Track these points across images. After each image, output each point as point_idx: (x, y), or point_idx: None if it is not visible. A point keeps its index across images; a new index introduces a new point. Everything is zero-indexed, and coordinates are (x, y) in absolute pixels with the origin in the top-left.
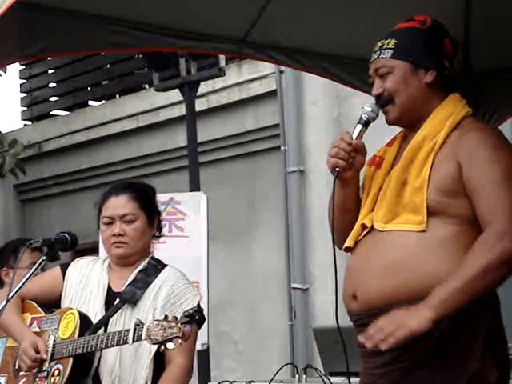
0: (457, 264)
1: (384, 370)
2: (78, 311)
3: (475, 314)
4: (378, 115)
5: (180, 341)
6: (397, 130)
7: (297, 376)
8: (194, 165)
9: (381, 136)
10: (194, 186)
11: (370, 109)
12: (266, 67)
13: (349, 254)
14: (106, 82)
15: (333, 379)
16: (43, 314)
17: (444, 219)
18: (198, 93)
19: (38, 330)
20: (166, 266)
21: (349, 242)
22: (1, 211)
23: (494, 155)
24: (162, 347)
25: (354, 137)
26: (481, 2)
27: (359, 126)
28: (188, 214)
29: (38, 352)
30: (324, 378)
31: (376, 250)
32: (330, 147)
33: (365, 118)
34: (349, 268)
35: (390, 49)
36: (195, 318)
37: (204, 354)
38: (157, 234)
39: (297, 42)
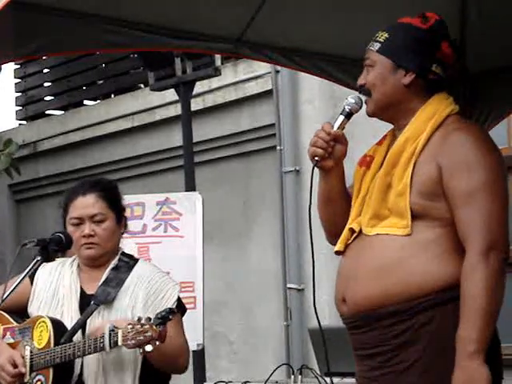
0: (442, 265)
1: (377, 372)
2: (50, 318)
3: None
4: (360, 107)
5: (157, 342)
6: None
7: (292, 376)
8: (190, 165)
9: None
10: (190, 186)
11: (353, 100)
12: (262, 67)
13: (340, 257)
14: (101, 82)
15: (328, 379)
16: (15, 323)
17: (428, 222)
18: (194, 92)
19: (12, 340)
20: (137, 260)
21: (339, 246)
22: None
23: (474, 160)
24: (141, 350)
25: (336, 127)
26: (477, 2)
27: (341, 117)
28: (183, 214)
29: (15, 366)
30: (319, 378)
31: (363, 254)
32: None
33: (347, 110)
34: (339, 272)
35: (379, 42)
36: (169, 318)
37: (199, 355)
38: (123, 230)
39: (293, 42)
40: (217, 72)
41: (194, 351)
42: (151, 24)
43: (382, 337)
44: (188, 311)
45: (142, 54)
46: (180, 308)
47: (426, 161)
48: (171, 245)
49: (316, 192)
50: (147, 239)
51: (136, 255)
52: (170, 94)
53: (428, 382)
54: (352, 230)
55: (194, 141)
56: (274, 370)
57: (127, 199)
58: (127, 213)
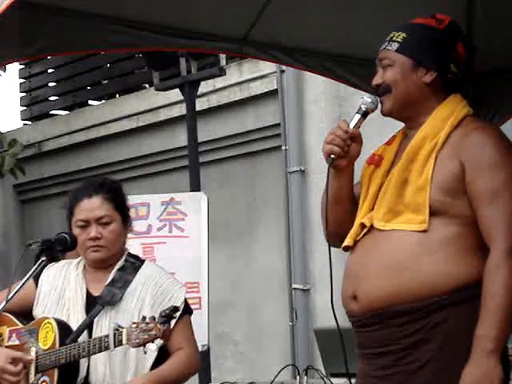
0: (457, 265)
1: (385, 372)
2: (55, 319)
3: (476, 317)
4: (376, 107)
5: (162, 341)
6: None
7: (298, 377)
8: (195, 165)
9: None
10: (195, 186)
11: (369, 100)
12: (267, 66)
13: (347, 253)
14: (105, 82)
15: (334, 380)
16: (20, 325)
17: (445, 219)
18: (199, 92)
19: (18, 342)
20: (143, 261)
21: (348, 241)
22: (0, 211)
23: (497, 159)
24: (144, 349)
25: (352, 126)
26: (482, 1)
27: (357, 116)
28: (188, 214)
29: (16, 364)
30: (325, 379)
31: (377, 249)
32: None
33: (364, 109)
34: (348, 268)
35: (398, 42)
36: (173, 316)
37: (204, 355)
38: (128, 231)
39: (298, 41)
40: (222, 72)
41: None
42: (156, 24)
43: (394, 335)
44: (193, 312)
45: (147, 54)
46: (187, 310)
47: (447, 158)
48: (176, 245)
49: (322, 191)
50: (152, 239)
51: (141, 256)
52: (175, 94)
53: (441, 382)
54: (363, 225)
55: (199, 141)
56: (280, 371)
57: (132, 199)
58: (132, 213)
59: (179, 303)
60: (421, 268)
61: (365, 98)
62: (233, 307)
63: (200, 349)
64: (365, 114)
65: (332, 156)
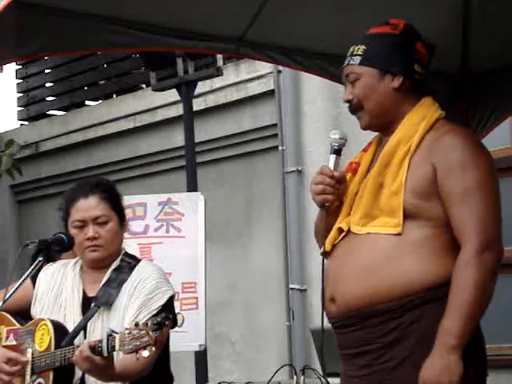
0: (431, 265)
1: (364, 371)
2: (51, 321)
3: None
4: (346, 140)
5: (154, 348)
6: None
7: (295, 377)
8: (192, 165)
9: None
10: (192, 187)
11: (337, 136)
12: (264, 67)
13: (326, 258)
14: (102, 82)
15: (331, 380)
16: (18, 325)
17: (419, 222)
18: (196, 92)
19: (15, 342)
20: (139, 261)
21: (326, 246)
22: None
23: (467, 160)
24: (137, 355)
25: (332, 168)
26: (479, 1)
27: (333, 157)
28: (185, 215)
29: (13, 364)
30: (322, 378)
31: (353, 252)
32: (311, 183)
33: (335, 147)
34: (327, 272)
35: (359, 55)
36: (165, 324)
37: (201, 355)
38: (125, 231)
39: (295, 42)
40: (219, 72)
41: (196, 352)
42: (153, 24)
43: (372, 335)
44: (190, 312)
45: (144, 54)
46: (165, 313)
47: (420, 161)
48: (173, 245)
49: (315, 225)
50: (149, 240)
51: (138, 256)
52: (172, 94)
53: (418, 377)
54: (340, 230)
55: (196, 141)
56: (277, 371)
57: (129, 200)
58: (129, 213)
59: (157, 306)
60: (395, 269)
61: (332, 137)
62: (230, 307)
63: (197, 349)
64: (338, 152)
65: (326, 204)
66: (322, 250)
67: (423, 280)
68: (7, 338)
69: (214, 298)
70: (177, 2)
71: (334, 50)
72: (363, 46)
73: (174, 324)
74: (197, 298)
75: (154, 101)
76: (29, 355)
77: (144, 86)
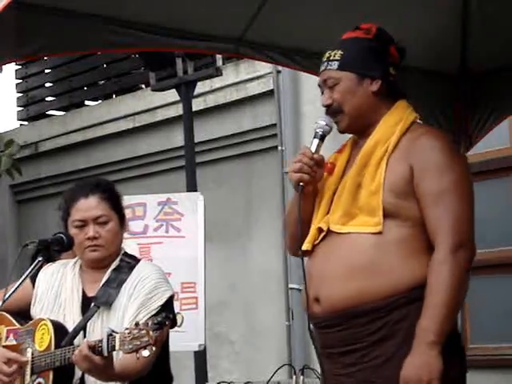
0: (414, 264)
1: (351, 369)
2: (51, 321)
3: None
4: (331, 128)
5: (154, 348)
6: None
7: (294, 377)
8: (191, 165)
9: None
10: (191, 187)
11: (324, 123)
12: (263, 67)
13: (306, 258)
14: (102, 82)
15: None
16: (18, 325)
17: (398, 221)
18: (195, 93)
19: (14, 342)
20: (139, 261)
21: (306, 246)
22: None
23: (443, 162)
24: (137, 355)
25: (313, 151)
26: (478, 1)
27: (316, 141)
28: (185, 215)
29: (11, 364)
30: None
31: (335, 252)
32: (291, 163)
33: (320, 133)
34: (309, 272)
35: (336, 60)
36: (165, 324)
37: (201, 355)
38: (124, 231)
39: (294, 42)
40: (218, 72)
41: (195, 352)
42: (153, 24)
43: (358, 334)
44: (190, 312)
45: (144, 55)
46: (165, 313)
47: (397, 162)
48: (173, 245)
49: (288, 211)
50: (149, 240)
51: (137, 256)
52: (172, 95)
53: None
54: (320, 229)
55: (196, 141)
56: (276, 371)
57: (129, 200)
58: (128, 213)
59: (156, 306)
60: (379, 269)
61: (319, 122)
62: (229, 307)
63: (197, 348)
64: (322, 138)
65: (301, 184)
66: (289, 248)
67: (405, 280)
68: (7, 337)
69: (214, 297)
70: (176, 2)
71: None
72: (340, 51)
73: (174, 324)
74: (196, 297)
75: (154, 101)
76: (29, 355)
77: (143, 86)
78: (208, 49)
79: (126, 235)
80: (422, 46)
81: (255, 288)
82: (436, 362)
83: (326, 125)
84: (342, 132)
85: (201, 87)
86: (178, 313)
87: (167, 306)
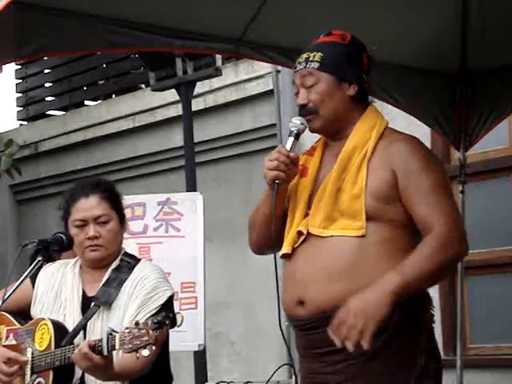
0: (397, 263)
1: (338, 366)
2: (51, 320)
3: (419, 308)
4: (306, 127)
5: (153, 347)
6: None
7: (294, 377)
8: (191, 165)
9: None
10: (191, 186)
11: (298, 121)
12: (263, 67)
13: (285, 260)
14: (102, 82)
15: None
16: (18, 325)
17: (380, 224)
18: (195, 93)
19: (14, 342)
20: (139, 260)
21: (287, 249)
22: None
23: (426, 164)
24: (137, 355)
25: (288, 149)
26: (478, 2)
27: (291, 139)
28: (185, 215)
29: (11, 363)
30: None
31: (319, 255)
32: (266, 159)
33: (295, 131)
34: (291, 275)
35: (317, 61)
36: (165, 323)
37: (201, 355)
38: (124, 230)
39: (294, 42)
40: (218, 72)
41: (195, 352)
42: (152, 24)
43: None
44: (189, 311)
45: (143, 55)
46: (165, 312)
47: (378, 166)
48: (172, 245)
49: (256, 208)
50: (148, 239)
51: (137, 256)
52: (171, 95)
53: (392, 367)
54: (300, 233)
55: (195, 141)
56: (276, 370)
57: (128, 199)
58: (128, 213)
59: (157, 305)
60: (364, 269)
61: (294, 121)
62: (229, 307)
63: (196, 348)
64: (297, 136)
65: (277, 181)
66: (254, 247)
67: None
68: (7, 337)
69: (214, 297)
70: (176, 3)
71: None
72: (319, 53)
73: (174, 324)
74: (196, 297)
75: (153, 101)
76: (29, 355)
77: (143, 86)
78: (208, 49)
79: (125, 235)
80: (422, 46)
81: (255, 288)
82: (385, 306)
83: (301, 123)
84: (312, 131)
85: (200, 87)
86: (178, 313)
87: (167, 306)
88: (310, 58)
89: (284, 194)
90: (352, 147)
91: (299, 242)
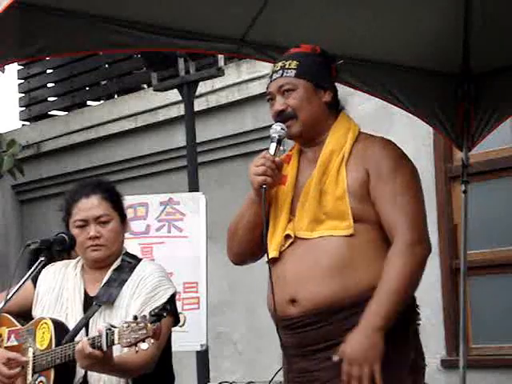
0: (382, 262)
1: (328, 363)
2: (52, 319)
3: (408, 315)
4: (286, 132)
5: (152, 340)
6: None
7: None
8: (193, 165)
9: None
10: (193, 187)
11: (279, 127)
12: (265, 67)
13: (272, 265)
14: (104, 82)
15: None
16: (19, 326)
17: (363, 223)
18: (197, 93)
19: (16, 343)
20: (140, 260)
21: (274, 253)
22: None
23: (397, 167)
24: (136, 348)
25: (272, 154)
26: (481, 2)
27: (273, 145)
28: (187, 215)
29: (11, 364)
30: None
31: (308, 255)
32: (252, 165)
33: (277, 137)
34: (281, 276)
35: (293, 69)
36: (163, 315)
37: (203, 355)
38: (126, 230)
39: (295, 42)
40: (220, 72)
41: (197, 352)
42: (154, 24)
43: (338, 330)
44: (192, 312)
45: (146, 55)
46: (169, 311)
47: (355, 169)
48: (175, 245)
49: (238, 216)
50: (151, 240)
51: (139, 256)
52: (173, 95)
53: (384, 363)
54: (287, 236)
55: (198, 141)
56: (278, 370)
57: (130, 200)
58: (130, 213)
59: (160, 302)
60: (354, 267)
61: (274, 127)
62: (231, 307)
63: (199, 348)
64: (279, 142)
65: (264, 186)
66: (233, 255)
67: (380, 277)
68: (9, 338)
69: (216, 297)
70: (178, 2)
71: (335, 50)
72: (295, 61)
73: (177, 321)
74: (198, 297)
75: (156, 101)
76: (30, 354)
77: (145, 86)
78: (210, 49)
79: (128, 235)
80: (424, 46)
81: (257, 288)
82: (380, 344)
83: (282, 129)
84: (292, 137)
85: (202, 87)
86: (180, 313)
87: (170, 304)
88: (286, 66)
89: (268, 200)
90: (330, 151)
91: (286, 245)
